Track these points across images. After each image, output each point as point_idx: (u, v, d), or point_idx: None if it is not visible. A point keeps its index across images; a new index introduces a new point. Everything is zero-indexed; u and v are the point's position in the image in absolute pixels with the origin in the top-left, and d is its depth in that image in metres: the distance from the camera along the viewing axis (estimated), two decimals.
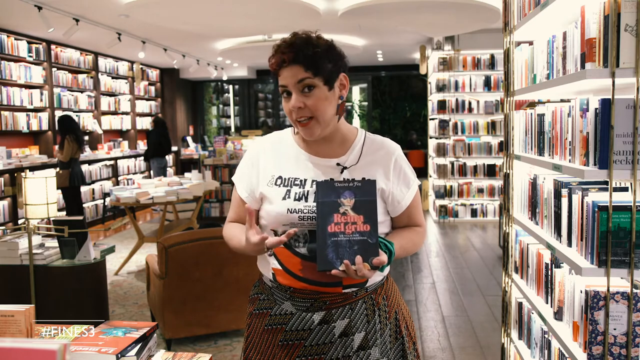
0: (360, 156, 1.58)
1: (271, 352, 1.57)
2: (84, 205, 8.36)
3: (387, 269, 1.64)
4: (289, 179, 1.56)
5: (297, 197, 1.52)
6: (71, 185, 7.08)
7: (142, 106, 11.48)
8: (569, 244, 1.92)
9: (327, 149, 1.59)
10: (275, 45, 1.54)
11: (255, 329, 1.61)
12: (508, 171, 2.68)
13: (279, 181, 1.56)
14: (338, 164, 1.56)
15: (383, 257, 1.43)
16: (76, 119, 8.73)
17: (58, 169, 7.05)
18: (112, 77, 10.18)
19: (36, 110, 7.92)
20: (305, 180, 1.54)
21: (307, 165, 1.57)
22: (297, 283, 1.53)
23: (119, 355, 1.32)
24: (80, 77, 9.05)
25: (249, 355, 1.62)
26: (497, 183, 8.33)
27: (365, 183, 1.46)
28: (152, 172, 9.85)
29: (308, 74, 1.48)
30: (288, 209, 1.51)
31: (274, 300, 1.59)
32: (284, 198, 1.53)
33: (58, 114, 8.24)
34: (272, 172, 1.58)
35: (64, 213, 7.38)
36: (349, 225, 1.43)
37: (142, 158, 10.61)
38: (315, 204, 1.47)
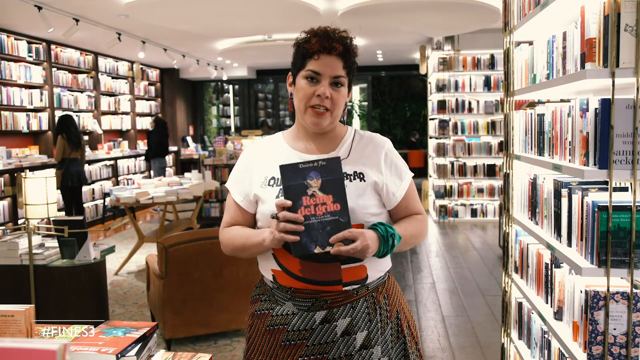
0: (351, 150, 1.61)
1: (273, 352, 1.56)
2: (84, 205, 8.36)
3: (387, 262, 1.64)
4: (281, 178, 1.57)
5: None
6: (64, 186, 7.06)
7: (142, 106, 11.48)
8: (569, 244, 1.92)
9: (318, 145, 1.62)
10: (321, 30, 1.55)
11: (257, 330, 1.62)
12: (508, 171, 2.68)
13: (272, 181, 1.58)
14: None
15: (355, 232, 1.42)
16: (76, 119, 8.74)
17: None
18: (112, 77, 10.18)
19: (36, 110, 7.92)
20: None
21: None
22: (297, 283, 1.54)
23: (119, 355, 1.32)
24: (80, 77, 9.05)
25: (250, 356, 1.62)
26: (497, 183, 8.33)
27: (330, 161, 1.45)
28: (152, 172, 9.84)
29: (343, 72, 1.55)
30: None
31: (276, 300, 1.59)
32: (277, 196, 1.54)
33: (58, 114, 8.24)
34: (265, 174, 1.60)
35: (64, 213, 7.38)
36: (319, 206, 1.42)
37: (142, 158, 10.61)
38: None
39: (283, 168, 1.44)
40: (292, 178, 1.43)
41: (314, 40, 1.52)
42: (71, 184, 7.09)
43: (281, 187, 1.54)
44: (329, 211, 1.42)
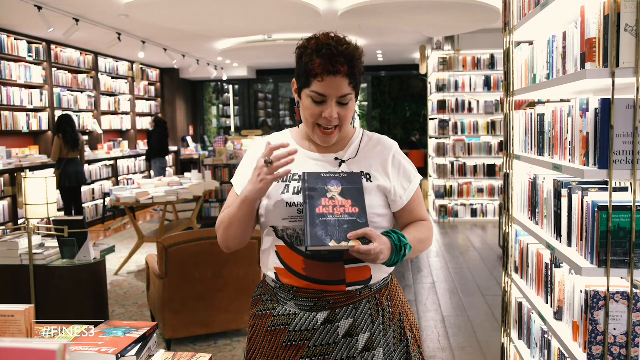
0: (358, 151, 1.60)
1: (275, 353, 1.55)
2: (83, 205, 8.35)
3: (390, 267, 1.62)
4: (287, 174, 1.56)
5: (295, 191, 1.53)
6: (62, 186, 7.06)
7: (142, 106, 11.48)
8: (569, 244, 1.92)
9: (326, 145, 1.60)
10: (324, 46, 1.44)
11: (259, 331, 1.60)
12: (508, 171, 2.68)
13: None
14: (336, 159, 1.58)
15: (375, 233, 1.40)
16: (76, 119, 8.73)
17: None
18: (112, 77, 10.18)
19: (36, 110, 7.92)
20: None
21: (306, 161, 1.58)
22: (300, 282, 1.52)
23: (119, 355, 1.32)
24: (80, 77, 9.05)
25: (252, 357, 1.60)
26: (497, 183, 8.33)
27: (351, 174, 1.49)
28: (153, 172, 9.84)
29: (350, 89, 1.48)
30: (287, 203, 1.52)
31: (277, 300, 1.58)
32: (282, 192, 1.53)
33: (58, 114, 8.25)
34: None
35: (63, 213, 7.38)
36: (337, 207, 1.43)
37: (142, 158, 10.60)
38: None
39: (305, 175, 1.47)
40: (313, 183, 1.46)
41: (317, 62, 1.43)
42: (69, 184, 7.08)
43: (287, 183, 1.55)
44: (347, 212, 1.43)
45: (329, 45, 1.45)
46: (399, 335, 1.60)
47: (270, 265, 1.59)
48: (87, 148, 9.02)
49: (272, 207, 1.54)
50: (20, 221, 6.72)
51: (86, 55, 9.21)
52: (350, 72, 1.46)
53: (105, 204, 8.65)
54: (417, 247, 1.55)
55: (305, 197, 1.45)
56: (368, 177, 1.56)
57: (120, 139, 10.49)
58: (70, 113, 8.24)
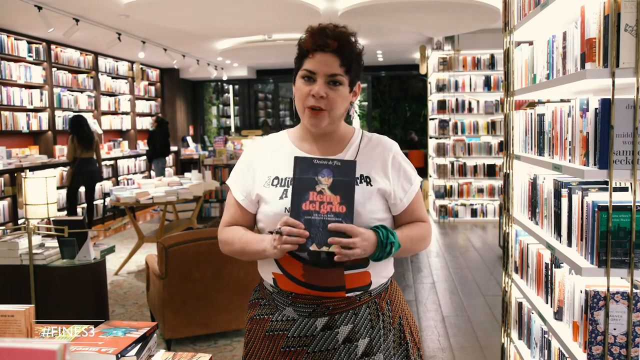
0: (358, 153, 1.57)
1: (272, 359, 1.53)
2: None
3: (390, 268, 1.61)
4: (285, 178, 1.53)
5: None
6: (73, 186, 7.20)
7: (142, 106, 11.48)
8: (569, 244, 1.92)
9: (324, 147, 1.57)
10: (317, 27, 1.50)
11: (256, 335, 1.58)
12: (508, 171, 2.68)
13: (275, 181, 1.54)
14: None
15: (356, 231, 1.40)
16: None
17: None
18: (112, 77, 10.18)
19: (36, 110, 7.92)
20: None
21: None
22: (299, 288, 1.50)
23: (119, 355, 1.32)
24: (80, 77, 9.05)
25: None
26: (497, 183, 8.33)
27: (345, 163, 1.43)
28: (155, 172, 9.84)
29: (341, 70, 1.48)
30: (286, 208, 1.49)
31: (275, 305, 1.55)
32: (281, 197, 1.51)
33: (58, 114, 8.29)
34: (268, 173, 1.56)
35: (64, 213, 7.40)
36: (325, 204, 1.40)
37: (142, 158, 10.60)
38: None
39: (297, 160, 1.43)
40: (304, 171, 1.42)
41: (308, 38, 1.48)
42: (83, 183, 7.28)
43: (285, 187, 1.51)
44: (333, 211, 1.40)
45: (324, 26, 1.50)
46: (399, 339, 1.58)
47: (268, 270, 1.56)
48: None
49: (271, 213, 1.51)
50: (20, 221, 6.72)
51: (86, 55, 9.21)
52: (340, 50, 1.47)
53: (105, 204, 8.65)
54: (407, 246, 1.54)
55: (293, 188, 1.42)
56: (368, 180, 1.53)
57: (120, 139, 10.48)
58: (82, 113, 8.27)
